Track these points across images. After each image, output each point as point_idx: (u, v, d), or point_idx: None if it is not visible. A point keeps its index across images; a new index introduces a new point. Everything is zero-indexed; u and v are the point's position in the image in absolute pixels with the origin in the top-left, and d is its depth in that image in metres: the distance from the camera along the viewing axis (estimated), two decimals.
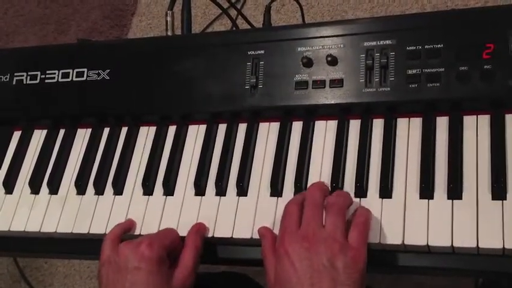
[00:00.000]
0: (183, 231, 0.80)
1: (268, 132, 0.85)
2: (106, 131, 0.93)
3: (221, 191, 0.82)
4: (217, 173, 0.83)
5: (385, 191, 0.74)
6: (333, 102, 0.81)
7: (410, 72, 0.78)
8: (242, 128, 0.86)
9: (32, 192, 0.91)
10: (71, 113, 0.94)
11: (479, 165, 0.73)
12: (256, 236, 0.76)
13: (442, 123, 0.77)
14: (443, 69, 0.76)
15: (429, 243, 0.69)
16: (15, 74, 0.97)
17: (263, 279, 0.74)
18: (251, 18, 1.72)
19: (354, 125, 0.81)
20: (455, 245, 0.68)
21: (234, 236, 0.78)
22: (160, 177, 0.85)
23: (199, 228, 0.79)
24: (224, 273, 1.04)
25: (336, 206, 0.71)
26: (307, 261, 0.67)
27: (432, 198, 0.72)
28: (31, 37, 2.17)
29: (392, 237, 0.71)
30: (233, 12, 1.73)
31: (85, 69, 0.93)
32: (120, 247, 0.76)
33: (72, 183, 0.89)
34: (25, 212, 0.89)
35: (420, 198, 0.73)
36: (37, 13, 2.21)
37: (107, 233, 0.83)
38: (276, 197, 0.79)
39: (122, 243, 0.77)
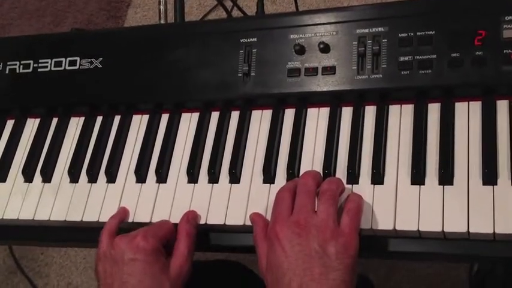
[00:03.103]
0: (175, 219, 0.80)
1: (260, 120, 0.85)
2: (99, 119, 0.93)
3: (214, 178, 0.82)
4: (209, 161, 0.83)
5: (377, 177, 0.74)
6: (325, 89, 0.81)
7: (402, 59, 0.78)
8: (235, 115, 0.86)
9: (25, 181, 0.91)
10: (63, 102, 0.94)
11: (471, 151, 0.73)
12: (248, 222, 0.76)
13: (434, 110, 0.77)
14: (435, 56, 0.76)
15: (420, 229, 0.70)
16: (8, 63, 0.97)
17: (258, 269, 0.74)
18: (246, 9, 1.72)
19: (346, 112, 0.81)
20: (446, 230, 0.69)
21: (226, 223, 0.78)
22: (153, 165, 0.86)
23: (189, 217, 0.79)
24: (218, 261, 1.04)
25: (328, 192, 0.71)
26: (299, 247, 0.67)
27: (423, 184, 0.72)
28: (27, 29, 2.16)
29: (384, 223, 0.71)
30: (228, 4, 1.73)
31: (78, 58, 0.93)
32: (115, 241, 0.76)
33: (65, 172, 0.89)
34: (18, 200, 0.89)
35: (412, 184, 0.73)
36: (33, 5, 2.21)
37: (100, 220, 0.83)
38: (269, 184, 0.79)
39: (117, 237, 0.77)
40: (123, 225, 0.81)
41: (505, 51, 0.73)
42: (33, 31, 2.12)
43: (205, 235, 0.80)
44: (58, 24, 2.14)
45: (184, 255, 0.76)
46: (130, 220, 0.82)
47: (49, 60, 0.94)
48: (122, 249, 0.75)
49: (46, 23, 2.15)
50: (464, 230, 0.68)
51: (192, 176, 0.83)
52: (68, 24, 2.11)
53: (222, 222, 0.78)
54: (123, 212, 0.82)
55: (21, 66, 0.96)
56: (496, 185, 0.70)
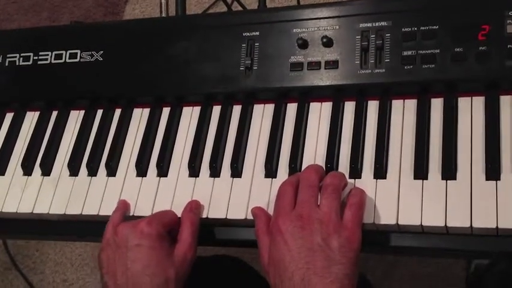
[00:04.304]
0: (177, 213, 0.79)
1: (262, 114, 0.84)
2: (99, 112, 0.92)
3: (215, 172, 0.81)
4: (211, 155, 0.82)
5: (380, 172, 0.74)
6: (328, 83, 0.80)
7: (405, 53, 0.77)
8: (237, 109, 0.86)
9: (24, 174, 0.90)
10: (63, 95, 0.93)
11: (474, 146, 0.73)
12: (250, 216, 0.76)
13: (437, 105, 0.77)
14: (438, 51, 0.76)
15: (423, 223, 0.70)
16: (8, 55, 0.96)
17: (258, 265, 0.74)
18: (248, 6, 1.71)
19: (349, 107, 0.81)
20: (449, 225, 0.68)
21: (228, 217, 0.78)
22: (154, 159, 0.85)
23: (192, 206, 0.78)
24: (217, 256, 1.04)
25: (331, 187, 0.71)
26: (301, 241, 0.67)
27: (426, 178, 0.72)
28: (24, 24, 2.16)
29: (387, 218, 0.71)
30: None
31: (78, 51, 0.93)
32: (118, 228, 0.76)
33: (65, 165, 0.89)
34: (17, 193, 0.88)
35: (414, 178, 0.73)
36: (30, 0, 2.20)
37: (99, 214, 0.83)
38: (271, 178, 0.79)
39: (120, 224, 0.76)
40: (125, 218, 0.80)
41: (508, 46, 0.73)
42: (30, 26, 2.12)
43: (206, 229, 0.80)
44: (55, 19, 2.13)
45: (189, 243, 0.76)
46: (130, 214, 0.82)
47: (49, 53, 0.94)
48: (125, 236, 0.74)
49: (43, 18, 2.14)
50: (468, 225, 0.68)
51: (194, 170, 0.82)
52: (65, 19, 2.10)
53: (224, 216, 0.78)
54: (124, 205, 0.82)
55: (21, 58, 0.95)
56: (499, 180, 0.69)
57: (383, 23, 0.79)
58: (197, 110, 0.87)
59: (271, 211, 0.74)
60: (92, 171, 0.87)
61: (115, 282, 0.73)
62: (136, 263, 0.72)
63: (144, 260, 0.73)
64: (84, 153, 0.89)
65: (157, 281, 0.72)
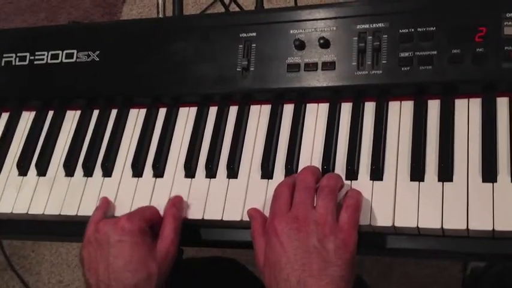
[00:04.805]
0: None
1: (259, 115, 0.84)
2: (95, 112, 0.92)
3: (211, 173, 0.81)
4: (207, 156, 0.82)
5: (376, 174, 0.74)
6: (324, 85, 0.80)
7: (402, 55, 0.77)
8: (233, 110, 0.85)
9: (19, 174, 0.90)
10: (60, 95, 0.93)
11: (470, 148, 0.73)
12: (246, 218, 0.76)
13: (434, 106, 0.77)
14: (435, 52, 0.76)
15: (419, 225, 0.69)
16: (4, 55, 0.96)
17: (254, 266, 0.74)
18: (245, 7, 1.71)
19: (346, 108, 0.81)
20: (445, 227, 0.68)
21: (224, 219, 0.78)
22: (150, 159, 0.85)
23: (175, 201, 0.78)
24: (213, 258, 1.04)
25: (327, 188, 0.71)
26: (297, 242, 0.67)
27: (423, 180, 0.72)
28: (21, 25, 2.15)
29: (383, 220, 0.71)
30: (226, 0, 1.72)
31: (75, 51, 0.92)
32: (99, 225, 0.76)
33: (60, 165, 0.88)
34: (12, 193, 0.88)
35: (411, 180, 0.72)
36: (27, 1, 2.20)
37: None
38: (267, 180, 0.79)
39: (101, 221, 0.76)
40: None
41: (505, 48, 0.73)
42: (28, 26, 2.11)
43: (202, 230, 0.80)
44: (52, 20, 2.13)
45: (171, 238, 0.75)
46: None
47: (45, 53, 0.93)
48: (106, 232, 0.74)
49: (40, 18, 2.14)
50: (464, 227, 0.68)
51: (190, 170, 0.82)
52: (63, 20, 2.10)
53: (219, 218, 0.78)
54: (105, 203, 0.82)
55: (17, 58, 0.95)
56: (496, 182, 0.69)
57: (380, 25, 0.79)
58: (193, 110, 0.87)
59: (267, 212, 0.74)
60: (88, 172, 0.87)
61: (97, 279, 0.73)
62: (118, 258, 0.72)
63: (126, 255, 0.72)
64: (80, 154, 0.89)
65: (139, 277, 0.72)
